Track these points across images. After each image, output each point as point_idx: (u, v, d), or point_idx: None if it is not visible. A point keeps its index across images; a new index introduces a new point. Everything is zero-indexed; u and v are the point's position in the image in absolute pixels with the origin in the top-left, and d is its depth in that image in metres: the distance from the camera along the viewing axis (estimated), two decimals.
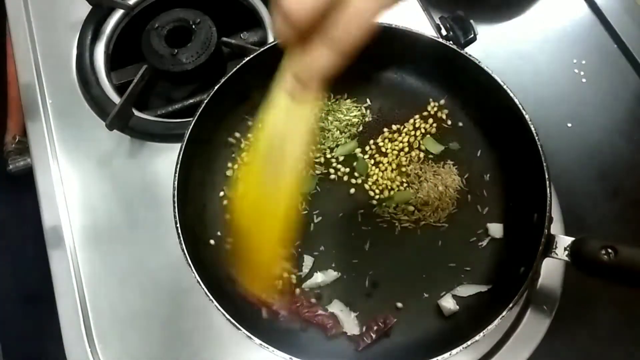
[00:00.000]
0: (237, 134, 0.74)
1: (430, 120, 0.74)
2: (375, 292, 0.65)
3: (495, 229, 0.66)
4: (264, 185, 0.49)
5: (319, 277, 0.65)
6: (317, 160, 0.72)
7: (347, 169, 0.71)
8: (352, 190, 0.70)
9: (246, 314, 0.63)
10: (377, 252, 0.67)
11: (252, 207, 0.50)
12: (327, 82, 0.43)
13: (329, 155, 0.72)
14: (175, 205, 0.62)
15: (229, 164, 0.72)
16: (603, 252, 0.51)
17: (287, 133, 0.47)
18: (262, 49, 0.70)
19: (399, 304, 0.64)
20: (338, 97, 0.76)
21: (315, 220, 0.69)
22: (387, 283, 0.65)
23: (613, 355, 0.68)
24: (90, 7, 0.85)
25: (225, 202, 0.70)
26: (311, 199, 0.70)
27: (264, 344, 0.55)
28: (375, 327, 0.62)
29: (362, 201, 0.70)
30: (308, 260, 0.66)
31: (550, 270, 0.66)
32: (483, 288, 0.64)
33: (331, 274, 0.65)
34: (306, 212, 0.69)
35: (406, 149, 0.72)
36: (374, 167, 0.71)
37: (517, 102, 0.65)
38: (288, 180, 0.47)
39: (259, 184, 0.49)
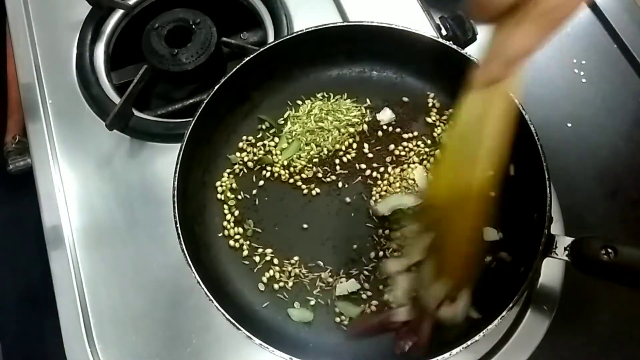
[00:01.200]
0: (237, 134, 0.74)
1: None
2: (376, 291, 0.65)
3: (491, 233, 0.66)
4: (460, 173, 0.49)
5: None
6: (316, 158, 0.72)
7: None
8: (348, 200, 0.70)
9: (246, 314, 0.63)
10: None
11: (447, 198, 0.51)
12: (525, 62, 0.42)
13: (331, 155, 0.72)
14: (175, 205, 0.62)
15: (229, 164, 0.72)
16: (603, 252, 0.51)
17: (483, 126, 0.47)
18: (262, 49, 0.71)
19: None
20: (338, 97, 0.75)
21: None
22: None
23: (613, 355, 0.68)
24: (90, 7, 0.85)
25: (223, 201, 0.70)
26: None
27: (264, 344, 0.56)
28: None
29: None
30: None
31: (550, 270, 0.66)
32: None
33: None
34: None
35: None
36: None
37: (517, 102, 0.65)
38: (484, 167, 0.47)
39: (455, 171, 0.50)
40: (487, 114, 0.46)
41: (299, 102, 0.75)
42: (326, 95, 0.76)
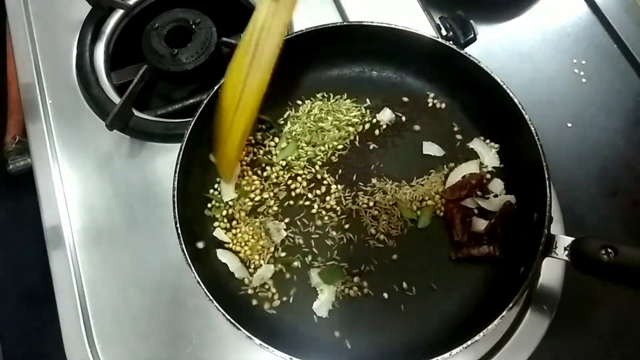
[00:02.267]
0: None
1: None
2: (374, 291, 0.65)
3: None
4: (243, 73, 0.62)
5: None
6: (318, 158, 0.72)
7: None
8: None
9: (246, 314, 0.63)
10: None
11: (228, 94, 0.63)
12: None
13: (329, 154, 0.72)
14: (175, 205, 0.62)
15: None
16: (603, 252, 0.51)
17: (267, 27, 0.60)
18: None
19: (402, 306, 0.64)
20: (338, 97, 0.76)
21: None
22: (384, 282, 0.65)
23: (613, 355, 0.68)
24: (90, 7, 0.85)
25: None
26: None
27: (264, 344, 0.56)
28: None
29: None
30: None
31: (550, 270, 0.66)
32: None
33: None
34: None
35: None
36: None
37: (517, 102, 0.65)
38: (262, 69, 0.61)
39: (240, 71, 0.62)
40: (271, 22, 0.60)
41: (299, 102, 0.75)
42: (326, 95, 0.76)
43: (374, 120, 0.74)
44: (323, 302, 0.64)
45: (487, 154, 0.70)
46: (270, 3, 0.59)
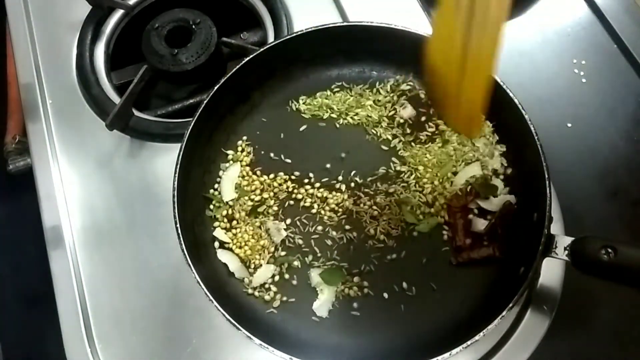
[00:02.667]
0: (237, 134, 0.74)
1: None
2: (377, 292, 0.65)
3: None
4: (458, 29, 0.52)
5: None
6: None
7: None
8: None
9: (246, 314, 0.63)
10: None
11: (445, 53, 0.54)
12: None
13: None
14: (175, 205, 0.62)
15: (229, 164, 0.72)
16: (603, 251, 0.51)
17: None
18: (262, 49, 0.71)
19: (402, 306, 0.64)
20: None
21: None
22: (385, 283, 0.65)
23: (613, 355, 0.68)
24: (90, 7, 0.85)
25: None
26: None
27: (264, 344, 0.56)
28: None
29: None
30: None
31: (550, 270, 0.66)
32: None
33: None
34: None
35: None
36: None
37: (517, 102, 0.65)
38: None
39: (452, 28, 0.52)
40: None
41: (300, 101, 0.75)
42: (347, 85, 0.76)
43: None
44: (323, 302, 0.64)
45: (491, 155, 0.70)
46: None
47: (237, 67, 0.69)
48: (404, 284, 0.65)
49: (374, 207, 0.68)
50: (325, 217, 0.69)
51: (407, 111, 0.74)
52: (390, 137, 0.73)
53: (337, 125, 0.74)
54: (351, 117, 0.74)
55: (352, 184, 0.70)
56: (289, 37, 0.72)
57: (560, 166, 0.75)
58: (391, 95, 0.75)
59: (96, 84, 0.81)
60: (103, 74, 0.82)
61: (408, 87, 0.75)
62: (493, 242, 0.64)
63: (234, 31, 0.86)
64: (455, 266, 0.65)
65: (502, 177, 0.69)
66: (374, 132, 0.73)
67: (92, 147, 0.77)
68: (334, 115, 0.74)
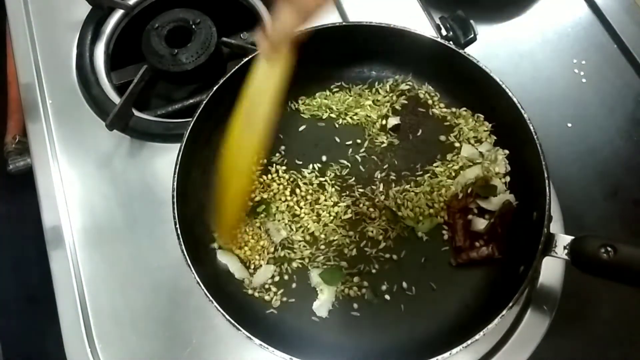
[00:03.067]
0: None
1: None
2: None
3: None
4: (239, 138, 0.58)
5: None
6: None
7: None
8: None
9: (246, 314, 0.63)
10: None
11: (228, 159, 0.59)
12: (292, 43, 0.53)
13: None
14: (175, 205, 0.62)
15: None
16: (602, 250, 0.51)
17: (261, 91, 0.56)
18: None
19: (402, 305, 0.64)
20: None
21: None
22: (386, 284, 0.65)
23: (613, 355, 0.68)
24: (90, 7, 0.85)
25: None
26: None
27: (264, 344, 0.56)
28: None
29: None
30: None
31: (551, 270, 0.66)
32: None
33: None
34: None
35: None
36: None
37: (516, 102, 0.65)
38: (257, 133, 0.57)
39: (236, 137, 0.58)
40: (264, 87, 0.56)
41: (298, 101, 0.75)
42: (346, 86, 0.77)
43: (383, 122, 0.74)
44: (323, 302, 0.64)
45: (494, 157, 0.70)
46: (263, 65, 0.55)
47: (237, 67, 0.69)
48: (404, 284, 0.65)
49: (372, 209, 0.69)
50: (325, 218, 0.69)
51: (392, 121, 0.74)
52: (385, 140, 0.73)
53: (336, 126, 0.74)
54: (350, 117, 0.74)
55: (352, 184, 0.70)
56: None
57: (560, 166, 0.76)
58: (390, 95, 0.75)
59: (96, 84, 0.81)
60: (103, 74, 0.82)
61: (407, 87, 0.75)
62: (492, 242, 0.64)
63: (234, 31, 0.86)
64: (455, 266, 0.65)
65: (502, 177, 0.69)
66: (373, 132, 0.73)
67: (92, 147, 0.77)
68: (333, 115, 0.74)
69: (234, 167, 0.59)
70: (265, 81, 0.56)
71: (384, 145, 0.73)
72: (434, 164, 0.71)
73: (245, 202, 0.65)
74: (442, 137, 0.73)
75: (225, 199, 0.60)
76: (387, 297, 0.65)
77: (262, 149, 0.58)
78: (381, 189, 0.70)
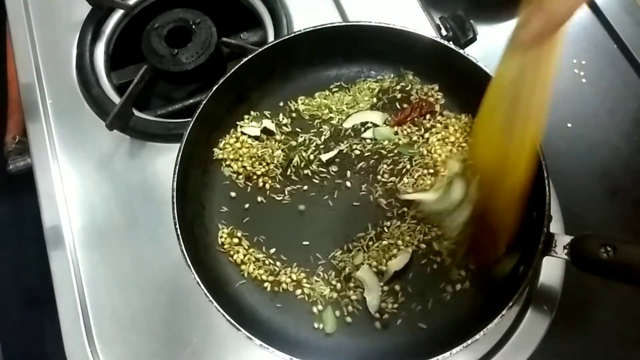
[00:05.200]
0: (237, 134, 0.74)
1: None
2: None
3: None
4: (503, 138, 0.51)
5: None
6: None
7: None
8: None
9: (246, 314, 0.63)
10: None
11: (492, 160, 0.53)
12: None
13: None
14: (175, 206, 0.62)
15: (228, 164, 0.72)
16: (602, 250, 0.51)
17: (525, 84, 0.49)
18: (261, 49, 0.71)
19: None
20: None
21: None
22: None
23: (613, 355, 0.68)
24: (90, 7, 0.85)
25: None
26: None
27: (264, 344, 0.56)
28: None
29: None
30: None
31: (551, 270, 0.66)
32: None
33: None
34: None
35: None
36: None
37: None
38: (530, 130, 0.50)
39: (498, 137, 0.52)
40: (530, 75, 0.47)
41: (297, 101, 0.75)
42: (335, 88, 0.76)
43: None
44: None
45: None
46: (519, 54, 0.48)
47: (236, 67, 0.69)
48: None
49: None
50: (324, 214, 0.69)
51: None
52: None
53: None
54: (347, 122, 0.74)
55: (353, 183, 0.71)
56: (288, 36, 0.72)
57: (560, 166, 0.76)
58: (390, 95, 0.75)
59: (96, 84, 0.81)
60: (103, 74, 0.82)
61: (407, 87, 0.75)
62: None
63: (234, 31, 0.86)
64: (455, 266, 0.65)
65: None
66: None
67: (92, 147, 0.77)
68: (332, 115, 0.74)
69: (504, 162, 0.53)
70: (533, 68, 0.48)
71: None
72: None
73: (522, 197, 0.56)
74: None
75: (504, 199, 0.55)
76: (387, 296, 0.64)
77: (539, 138, 0.52)
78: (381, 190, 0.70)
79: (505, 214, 0.56)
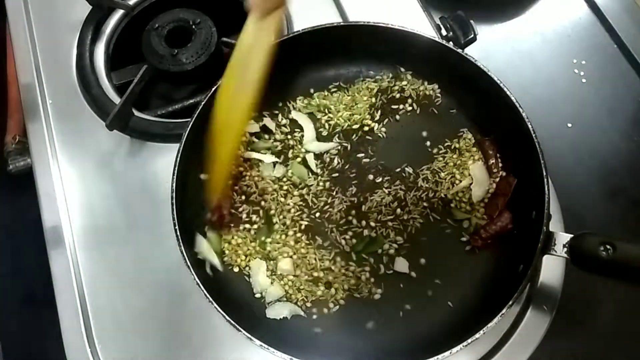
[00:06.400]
0: None
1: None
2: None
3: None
4: (232, 95, 0.61)
5: None
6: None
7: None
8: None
9: (246, 315, 0.63)
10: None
11: (220, 115, 0.62)
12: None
13: None
14: (174, 206, 0.62)
15: None
16: (602, 248, 0.51)
17: (253, 48, 0.60)
18: None
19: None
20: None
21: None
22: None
23: (613, 355, 0.68)
24: (90, 7, 0.85)
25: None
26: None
27: (264, 345, 0.56)
28: None
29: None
30: None
31: (551, 270, 0.66)
32: None
33: None
34: None
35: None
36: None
37: (515, 101, 0.65)
38: (250, 89, 0.60)
39: (228, 94, 0.61)
40: (256, 43, 0.60)
41: (297, 100, 0.75)
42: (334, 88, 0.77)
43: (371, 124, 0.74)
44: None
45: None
46: (255, 22, 0.59)
47: None
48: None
49: (374, 208, 0.69)
50: (321, 213, 0.69)
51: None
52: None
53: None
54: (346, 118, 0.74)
55: (351, 186, 0.71)
56: (287, 36, 0.72)
57: (560, 166, 0.76)
58: (389, 95, 0.75)
59: (96, 84, 0.81)
60: (103, 74, 0.82)
61: (407, 87, 0.75)
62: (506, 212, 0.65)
63: (234, 31, 0.85)
64: (455, 265, 0.65)
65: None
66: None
67: (92, 147, 0.77)
68: (331, 115, 0.74)
69: (226, 122, 0.62)
70: (257, 37, 0.59)
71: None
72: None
73: (234, 156, 0.67)
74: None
75: (217, 155, 0.63)
76: (387, 296, 0.65)
77: (255, 104, 0.61)
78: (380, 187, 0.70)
79: (222, 166, 0.64)
